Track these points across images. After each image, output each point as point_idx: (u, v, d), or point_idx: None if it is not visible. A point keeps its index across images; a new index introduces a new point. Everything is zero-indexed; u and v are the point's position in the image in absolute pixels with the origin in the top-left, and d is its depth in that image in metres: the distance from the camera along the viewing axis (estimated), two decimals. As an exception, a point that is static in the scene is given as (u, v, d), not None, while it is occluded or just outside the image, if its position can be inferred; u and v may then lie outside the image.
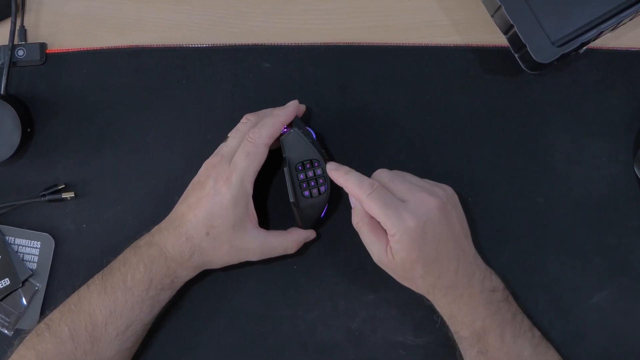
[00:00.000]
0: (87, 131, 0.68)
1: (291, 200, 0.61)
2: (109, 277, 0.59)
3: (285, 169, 0.61)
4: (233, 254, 0.60)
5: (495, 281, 0.59)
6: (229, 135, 0.62)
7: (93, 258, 0.65)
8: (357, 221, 0.59)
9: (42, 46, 0.69)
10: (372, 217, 0.58)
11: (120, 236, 0.65)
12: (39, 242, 0.66)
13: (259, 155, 0.59)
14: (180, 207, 0.60)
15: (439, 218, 0.56)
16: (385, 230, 0.56)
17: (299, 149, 0.61)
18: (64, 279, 0.66)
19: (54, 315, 0.59)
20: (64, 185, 0.67)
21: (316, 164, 0.61)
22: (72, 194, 0.66)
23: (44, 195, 0.66)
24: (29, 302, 0.66)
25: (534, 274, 0.65)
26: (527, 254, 0.65)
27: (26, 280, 0.66)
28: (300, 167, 0.61)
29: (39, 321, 0.61)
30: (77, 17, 0.69)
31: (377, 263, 0.59)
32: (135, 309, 0.59)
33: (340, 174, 0.59)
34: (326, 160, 0.62)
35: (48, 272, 0.66)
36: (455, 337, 0.60)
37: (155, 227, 0.61)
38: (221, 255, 0.60)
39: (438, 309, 0.59)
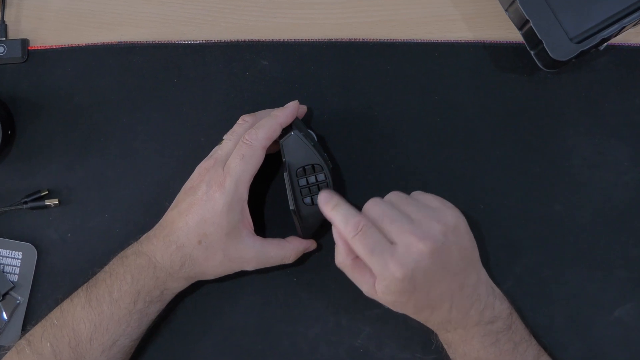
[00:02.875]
0: (72, 134, 0.67)
1: (291, 207, 0.60)
2: (93, 289, 0.58)
3: (285, 174, 0.60)
4: (227, 264, 0.60)
5: (498, 309, 0.58)
6: (224, 137, 0.61)
7: (78, 269, 0.65)
8: (340, 261, 0.57)
9: (24, 42, 0.68)
10: (355, 257, 0.56)
11: (107, 246, 0.64)
12: (21, 253, 0.65)
13: (255, 159, 0.58)
14: (171, 214, 0.60)
15: (429, 264, 0.53)
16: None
17: (299, 152, 0.59)
18: (47, 291, 0.65)
19: (36, 330, 0.59)
20: (47, 192, 0.66)
21: (318, 169, 0.59)
22: (56, 201, 0.66)
23: (25, 202, 0.65)
24: (9, 316, 0.65)
25: (550, 287, 0.64)
26: (543, 266, 0.64)
27: (7, 293, 0.65)
28: (301, 172, 0.59)
29: (20, 337, 0.60)
30: (61, 11, 0.69)
31: (367, 295, 0.57)
32: (122, 322, 0.58)
33: (328, 209, 0.56)
34: (329, 165, 0.60)
35: (30, 284, 0.65)
36: None
37: (144, 235, 0.61)
38: (214, 265, 0.59)
39: (438, 335, 0.59)
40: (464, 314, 0.56)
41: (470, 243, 0.57)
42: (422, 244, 0.53)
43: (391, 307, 0.57)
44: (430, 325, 0.58)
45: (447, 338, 0.58)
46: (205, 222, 0.57)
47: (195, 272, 0.60)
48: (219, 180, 0.58)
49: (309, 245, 0.63)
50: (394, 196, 0.58)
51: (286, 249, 0.61)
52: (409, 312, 0.56)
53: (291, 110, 0.61)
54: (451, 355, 0.59)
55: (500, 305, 0.58)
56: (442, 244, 0.54)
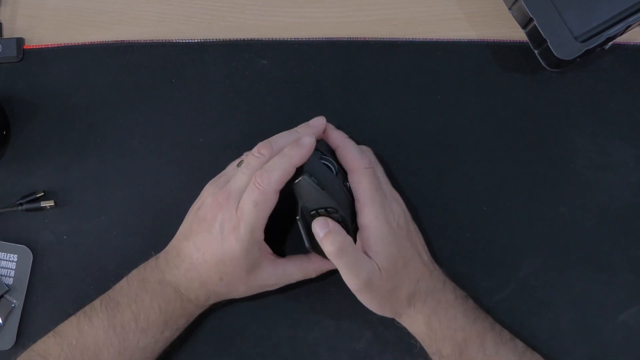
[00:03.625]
0: (68, 134, 0.67)
1: (307, 246, 0.58)
2: (117, 314, 0.57)
3: (298, 218, 0.57)
4: (251, 291, 0.60)
5: (464, 291, 0.60)
6: (238, 165, 0.58)
7: (74, 272, 0.64)
8: (342, 241, 0.55)
9: (19, 41, 0.67)
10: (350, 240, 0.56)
11: (104, 248, 0.64)
12: (16, 255, 0.65)
13: (268, 203, 0.56)
14: (187, 246, 0.58)
15: (408, 219, 0.59)
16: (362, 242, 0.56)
17: (312, 196, 0.56)
18: (43, 295, 0.65)
19: (50, 347, 0.57)
20: (43, 193, 0.65)
21: (332, 211, 0.57)
22: (51, 203, 0.65)
23: (21, 204, 0.65)
24: (4, 320, 0.64)
25: (554, 290, 0.63)
26: (547, 269, 0.64)
27: (2, 296, 0.64)
28: (315, 214, 0.57)
29: (15, 342, 0.60)
30: (57, 9, 0.69)
31: (363, 288, 0.56)
32: (147, 350, 0.57)
33: (340, 136, 0.60)
34: (347, 199, 0.58)
35: (26, 287, 0.65)
36: (434, 358, 0.59)
37: (164, 257, 0.59)
38: (238, 294, 0.60)
39: (415, 329, 0.59)
40: (442, 283, 0.59)
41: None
42: (401, 202, 0.60)
43: (384, 280, 0.56)
44: (417, 299, 0.57)
45: (433, 322, 0.57)
46: (224, 264, 0.56)
47: (220, 300, 0.60)
48: (232, 223, 0.56)
49: (333, 265, 0.61)
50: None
51: (308, 270, 0.60)
52: (400, 271, 0.56)
53: (307, 149, 0.56)
54: (437, 347, 0.57)
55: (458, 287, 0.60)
56: (407, 214, 0.60)
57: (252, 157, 0.57)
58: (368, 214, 0.56)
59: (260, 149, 0.57)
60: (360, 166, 0.57)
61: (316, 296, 0.64)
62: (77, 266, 0.65)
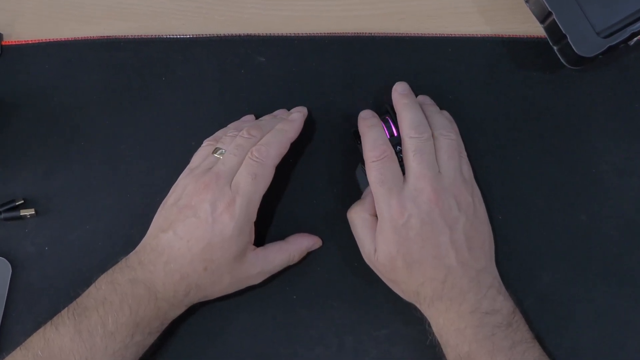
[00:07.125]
0: (50, 137, 0.66)
1: None
2: (83, 319, 0.56)
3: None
4: (234, 285, 0.59)
5: (500, 304, 0.57)
6: (221, 147, 0.60)
7: (57, 286, 0.63)
8: (357, 211, 0.60)
9: None
10: (372, 214, 0.59)
11: (89, 261, 0.63)
12: None
13: (267, 178, 0.58)
14: (166, 237, 0.57)
15: (429, 218, 0.56)
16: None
17: None
18: (23, 310, 0.63)
19: None
20: (22, 201, 0.64)
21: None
22: (32, 211, 0.64)
23: None
24: (-19, 337, 0.63)
25: (576, 305, 0.62)
26: (568, 282, 0.62)
27: (-22, 312, 0.63)
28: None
29: None
30: (38, 2, 0.69)
31: (365, 260, 0.60)
32: (116, 356, 0.56)
33: (364, 124, 0.60)
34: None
35: (4, 302, 0.63)
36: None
37: (134, 257, 0.58)
38: (221, 289, 0.59)
39: (430, 321, 0.59)
40: (461, 293, 0.56)
41: (487, 234, 0.60)
42: (433, 196, 0.56)
43: (384, 271, 0.58)
44: (421, 300, 0.57)
45: (439, 326, 0.57)
46: (212, 248, 0.56)
47: (198, 298, 0.59)
48: (226, 200, 0.56)
49: (313, 243, 0.63)
50: (438, 120, 0.60)
51: (289, 252, 0.61)
52: (400, 275, 0.57)
53: (298, 124, 0.61)
54: (444, 349, 0.58)
55: (503, 301, 0.57)
56: (448, 210, 0.56)
57: (242, 139, 0.59)
58: (376, 206, 0.57)
59: (250, 131, 0.60)
60: (368, 159, 0.58)
61: (318, 311, 0.63)
62: (59, 279, 0.63)
